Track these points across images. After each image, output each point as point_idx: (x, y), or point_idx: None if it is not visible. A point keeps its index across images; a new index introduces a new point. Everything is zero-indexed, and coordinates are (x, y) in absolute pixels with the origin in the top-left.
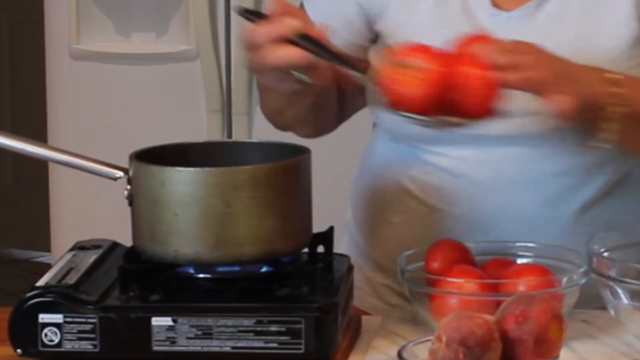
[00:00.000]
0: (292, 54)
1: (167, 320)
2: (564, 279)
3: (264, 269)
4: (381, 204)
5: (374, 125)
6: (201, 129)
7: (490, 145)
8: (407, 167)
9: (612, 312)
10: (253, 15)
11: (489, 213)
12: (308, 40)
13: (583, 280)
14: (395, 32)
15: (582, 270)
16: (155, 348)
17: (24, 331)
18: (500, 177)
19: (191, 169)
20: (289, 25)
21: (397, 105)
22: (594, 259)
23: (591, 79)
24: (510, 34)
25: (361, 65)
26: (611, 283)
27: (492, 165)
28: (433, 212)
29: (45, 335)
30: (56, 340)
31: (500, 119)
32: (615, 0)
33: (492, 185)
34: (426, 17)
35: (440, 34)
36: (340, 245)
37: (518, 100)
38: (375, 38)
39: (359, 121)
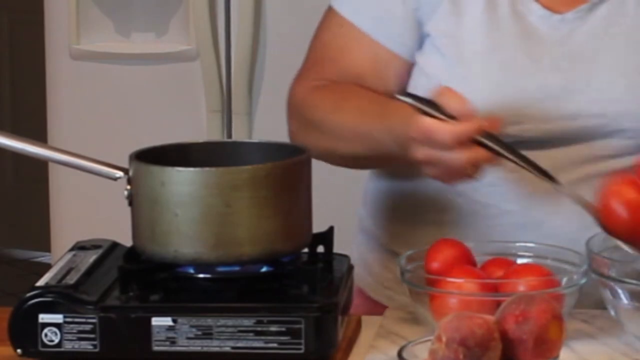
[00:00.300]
0: (480, 156)
1: (167, 320)
2: (564, 279)
3: (264, 269)
4: (415, 203)
5: None
6: (201, 129)
7: (549, 145)
8: None
9: (612, 312)
10: (417, 100)
11: (542, 209)
12: (493, 140)
13: (583, 281)
14: (444, 34)
15: (582, 270)
16: (155, 348)
17: (24, 331)
18: (554, 175)
19: (191, 169)
20: (479, 126)
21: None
22: (594, 259)
23: None
24: (562, 37)
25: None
26: (611, 283)
27: (547, 164)
28: (482, 208)
29: (45, 335)
30: (56, 340)
31: (564, 121)
32: None
33: (544, 184)
34: (475, 20)
35: (489, 37)
36: (353, 245)
37: (583, 103)
38: (422, 41)
39: None
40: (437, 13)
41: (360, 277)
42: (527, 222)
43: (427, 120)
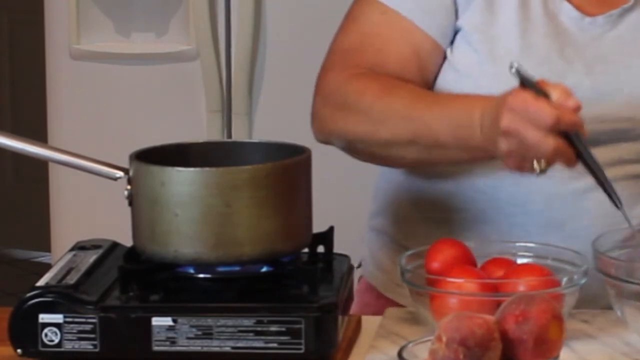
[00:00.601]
0: (565, 151)
1: (167, 320)
2: (564, 279)
3: (264, 269)
4: (434, 200)
5: None
6: (201, 129)
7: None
8: (471, 164)
9: (619, 313)
10: (527, 81)
11: (565, 211)
12: (580, 142)
13: (583, 281)
14: (476, 30)
15: (582, 270)
16: (156, 348)
17: (24, 331)
18: (578, 177)
19: (191, 169)
20: (579, 120)
21: None
22: (600, 259)
23: None
24: (592, 39)
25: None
26: (618, 283)
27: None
28: (505, 207)
29: (46, 335)
30: (56, 340)
31: (593, 123)
32: None
33: (569, 185)
34: (509, 18)
35: (523, 35)
36: (358, 244)
37: (612, 106)
38: (455, 34)
39: None
40: (471, 7)
41: (372, 275)
42: (550, 223)
43: (531, 95)
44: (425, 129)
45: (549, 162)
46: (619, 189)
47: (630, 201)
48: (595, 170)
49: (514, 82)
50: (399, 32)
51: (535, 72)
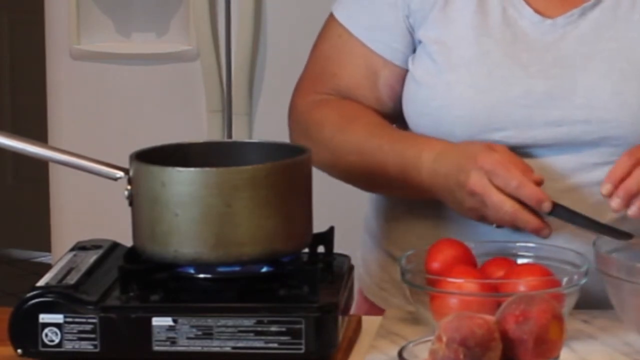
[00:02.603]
0: (525, 219)
1: (167, 320)
2: (564, 279)
3: (264, 269)
4: (410, 202)
5: None
6: (201, 129)
7: (537, 153)
8: None
9: (619, 313)
10: None
11: None
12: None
13: (583, 281)
14: (434, 41)
15: (582, 270)
16: (156, 348)
17: (25, 331)
18: (544, 184)
19: (191, 169)
20: (536, 195)
21: None
22: (602, 259)
23: None
24: (552, 42)
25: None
26: (618, 283)
27: (536, 173)
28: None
29: (46, 335)
30: (56, 341)
31: (549, 127)
32: None
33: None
34: (465, 26)
35: (478, 43)
36: (358, 244)
37: (568, 109)
38: (415, 47)
39: None
40: (428, 20)
41: (360, 277)
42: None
43: (501, 157)
44: (376, 165)
45: (507, 225)
46: (586, 196)
47: (599, 208)
48: (585, 224)
49: (469, 92)
50: (351, 53)
51: (486, 79)
